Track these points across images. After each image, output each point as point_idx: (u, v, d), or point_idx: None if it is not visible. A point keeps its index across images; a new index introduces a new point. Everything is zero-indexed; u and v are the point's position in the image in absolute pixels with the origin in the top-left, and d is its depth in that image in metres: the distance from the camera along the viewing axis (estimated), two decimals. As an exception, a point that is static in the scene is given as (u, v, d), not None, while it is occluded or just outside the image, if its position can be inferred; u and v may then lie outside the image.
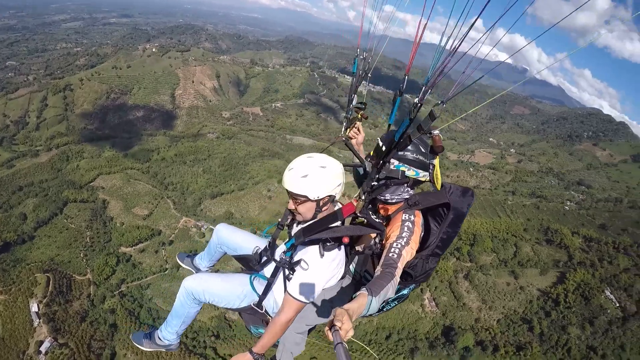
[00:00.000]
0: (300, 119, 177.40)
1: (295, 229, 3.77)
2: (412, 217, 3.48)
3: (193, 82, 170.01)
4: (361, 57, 4.39)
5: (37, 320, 65.76)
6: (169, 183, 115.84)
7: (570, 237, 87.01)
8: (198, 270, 5.09)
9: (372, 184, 3.27)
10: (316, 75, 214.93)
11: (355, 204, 3.31)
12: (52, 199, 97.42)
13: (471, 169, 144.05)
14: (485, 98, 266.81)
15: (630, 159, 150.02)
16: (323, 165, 3.34)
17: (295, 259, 3.45)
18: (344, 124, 4.58)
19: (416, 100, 2.34)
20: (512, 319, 73.82)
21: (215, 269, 5.34)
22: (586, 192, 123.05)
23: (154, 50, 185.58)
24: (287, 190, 3.42)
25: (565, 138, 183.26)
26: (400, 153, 3.41)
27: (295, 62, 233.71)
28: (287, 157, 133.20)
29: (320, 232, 3.29)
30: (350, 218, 3.73)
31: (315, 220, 3.47)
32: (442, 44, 2.45)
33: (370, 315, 3.13)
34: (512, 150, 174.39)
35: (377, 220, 3.57)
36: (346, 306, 2.41)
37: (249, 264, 4.36)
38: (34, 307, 67.35)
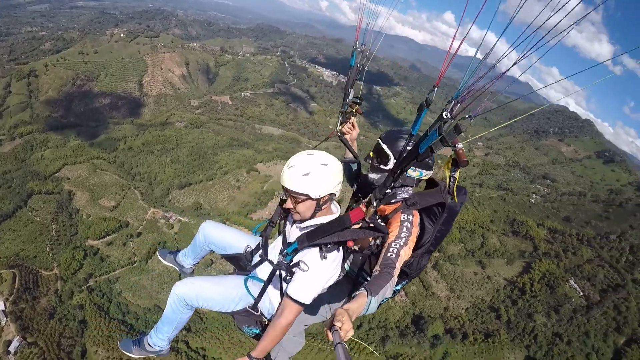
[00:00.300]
0: (269, 109, 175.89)
1: (291, 227, 3.69)
2: (410, 218, 3.50)
3: (161, 69, 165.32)
4: (359, 49, 4.30)
5: (4, 318, 63.29)
6: (136, 173, 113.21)
7: (535, 229, 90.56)
8: (182, 267, 4.89)
9: (387, 191, 3.17)
10: (286, 65, 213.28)
11: (363, 209, 3.20)
12: (16, 191, 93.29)
13: (439, 161, 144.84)
14: (453, 91, 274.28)
15: (595, 155, 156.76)
16: (324, 162, 3.26)
17: (295, 261, 3.35)
18: (339, 118, 4.50)
19: (445, 114, 2.23)
20: (480, 308, 76.56)
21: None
22: (551, 186, 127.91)
23: (122, 35, 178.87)
24: (285, 188, 3.34)
25: (531, 133, 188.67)
26: (405, 155, 3.25)
27: (265, 51, 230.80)
28: (256, 146, 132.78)
29: (325, 237, 3.21)
30: None
31: (320, 225, 3.35)
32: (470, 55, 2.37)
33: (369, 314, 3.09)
34: (479, 143, 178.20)
35: (381, 223, 3.52)
36: (346, 306, 2.43)
37: (240, 264, 4.26)
38: (0, 305, 64.81)
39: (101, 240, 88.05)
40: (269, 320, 3.74)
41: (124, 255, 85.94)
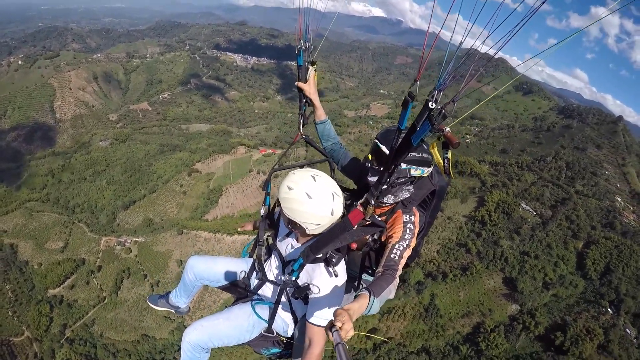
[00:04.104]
0: (191, 106, 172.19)
1: (284, 244, 3.65)
2: (412, 218, 3.51)
3: (70, 89, 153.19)
4: (304, 48, 4.06)
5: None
6: (74, 205, 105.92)
7: (478, 166, 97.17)
8: (177, 308, 4.75)
9: (383, 187, 2.97)
10: (198, 58, 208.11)
11: (361, 209, 2.99)
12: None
13: (370, 122, 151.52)
14: (368, 53, 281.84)
15: (513, 90, 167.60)
16: (310, 194, 3.12)
17: (302, 278, 3.28)
18: (300, 120, 4.32)
19: (431, 103, 2.20)
20: (449, 247, 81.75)
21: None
22: (481, 124, 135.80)
23: (20, 62, 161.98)
24: None
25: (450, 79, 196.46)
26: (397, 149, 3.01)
27: (172, 48, 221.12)
28: (188, 147, 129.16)
29: (329, 245, 3.07)
30: None
31: (321, 234, 3.22)
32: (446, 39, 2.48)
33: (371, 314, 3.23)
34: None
35: (378, 219, 3.47)
36: (347, 306, 2.46)
37: (238, 290, 4.05)
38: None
39: (62, 286, 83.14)
40: (287, 338, 3.76)
41: (91, 294, 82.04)
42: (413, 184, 3.49)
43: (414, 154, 3.27)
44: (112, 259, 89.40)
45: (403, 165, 3.27)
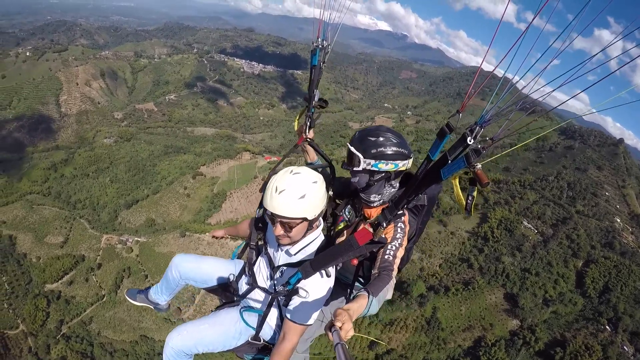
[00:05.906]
0: (197, 109, 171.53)
1: (277, 250, 3.47)
2: (402, 218, 3.44)
3: (77, 84, 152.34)
4: (321, 46, 4.01)
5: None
6: (76, 201, 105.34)
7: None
8: (157, 305, 4.50)
9: (399, 212, 3.00)
10: (205, 61, 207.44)
11: (369, 229, 2.99)
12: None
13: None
14: (373, 66, 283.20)
15: (516, 108, 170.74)
16: (314, 180, 3.05)
17: (296, 287, 3.14)
18: (308, 123, 4.19)
19: (469, 139, 2.17)
20: (451, 261, 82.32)
21: None
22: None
23: (28, 54, 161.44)
24: (274, 214, 3.00)
25: (454, 96, 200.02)
26: (374, 151, 3.21)
27: (180, 50, 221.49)
28: (193, 150, 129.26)
29: (330, 263, 3.02)
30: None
31: (326, 252, 3.08)
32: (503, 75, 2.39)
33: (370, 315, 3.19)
34: (408, 112, 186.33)
35: (382, 235, 3.32)
36: (346, 306, 2.42)
37: (225, 294, 3.94)
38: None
39: (60, 281, 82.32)
40: (272, 344, 3.59)
41: (90, 291, 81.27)
42: (394, 179, 3.47)
43: (384, 149, 3.23)
44: (112, 257, 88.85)
45: (373, 162, 3.23)
